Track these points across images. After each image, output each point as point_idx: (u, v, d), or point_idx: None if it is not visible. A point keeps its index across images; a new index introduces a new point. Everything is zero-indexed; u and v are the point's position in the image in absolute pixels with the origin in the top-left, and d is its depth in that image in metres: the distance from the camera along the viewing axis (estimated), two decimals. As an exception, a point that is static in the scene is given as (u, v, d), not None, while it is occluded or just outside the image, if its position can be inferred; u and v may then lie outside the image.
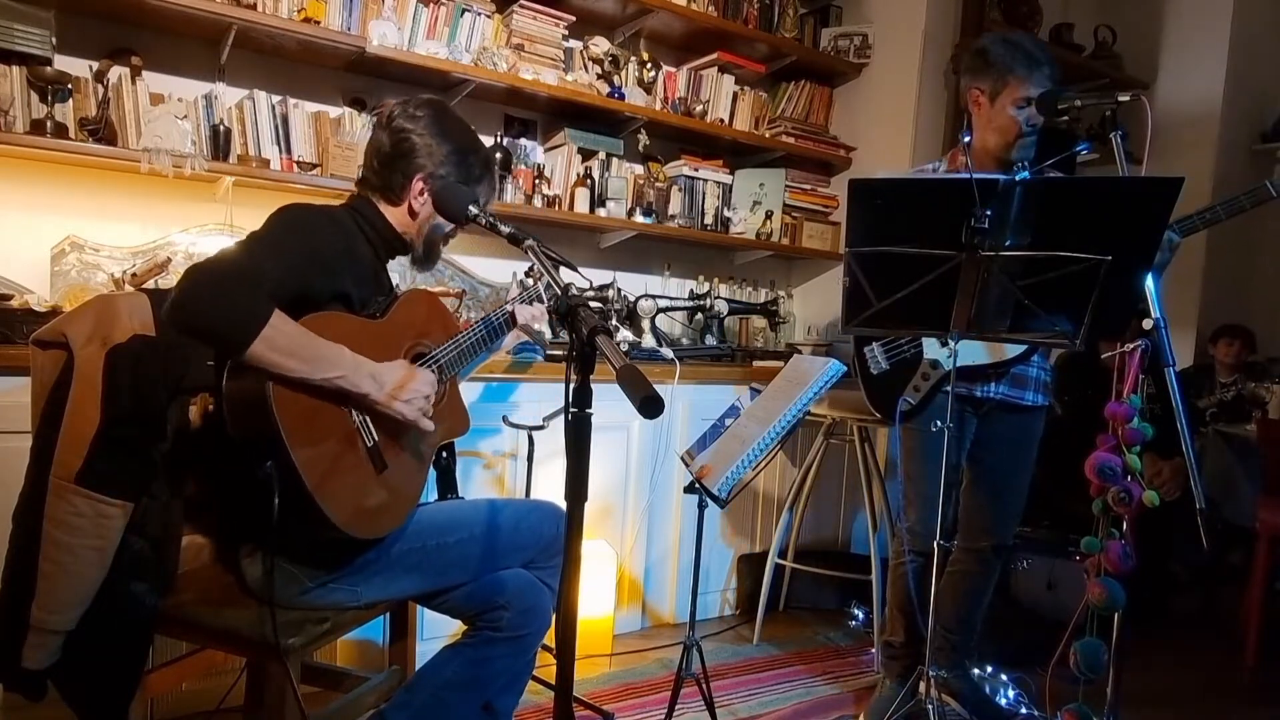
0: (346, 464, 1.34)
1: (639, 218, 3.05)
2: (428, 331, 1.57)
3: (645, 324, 2.88)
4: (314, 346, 1.27)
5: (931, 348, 2.02)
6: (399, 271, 2.54)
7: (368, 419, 1.38)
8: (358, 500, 1.35)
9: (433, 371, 1.48)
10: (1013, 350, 1.96)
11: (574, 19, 2.87)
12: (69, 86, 2.12)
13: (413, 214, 1.54)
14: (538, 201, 2.85)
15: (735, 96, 3.29)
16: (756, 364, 2.98)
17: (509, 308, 1.74)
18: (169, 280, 2.21)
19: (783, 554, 2.81)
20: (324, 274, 1.37)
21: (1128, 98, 1.68)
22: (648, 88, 3.08)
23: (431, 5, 2.62)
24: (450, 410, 1.60)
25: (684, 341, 3.17)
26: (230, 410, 1.27)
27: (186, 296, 1.19)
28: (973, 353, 1.97)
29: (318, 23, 2.35)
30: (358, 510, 1.34)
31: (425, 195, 1.53)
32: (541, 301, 1.79)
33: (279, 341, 1.22)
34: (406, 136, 1.50)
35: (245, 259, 1.27)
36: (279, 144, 2.43)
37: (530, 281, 1.90)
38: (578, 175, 2.95)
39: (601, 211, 2.96)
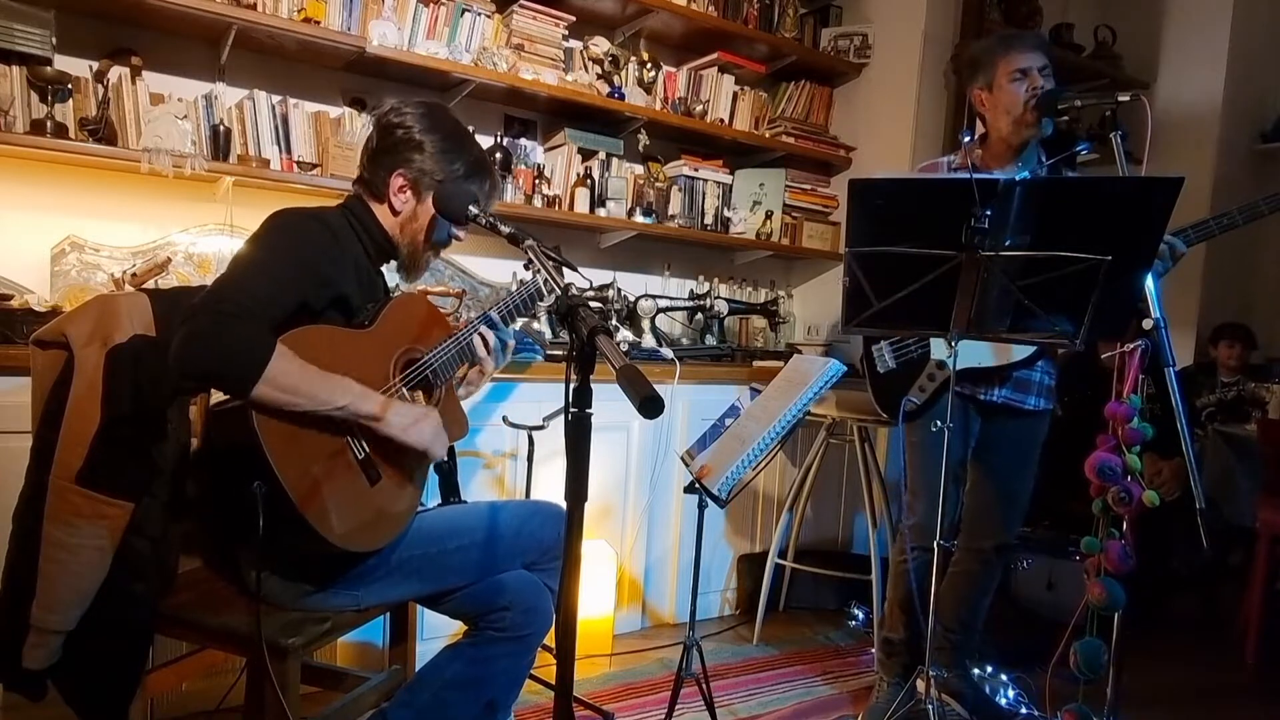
0: (337, 477, 1.32)
1: (639, 218, 3.05)
2: (422, 335, 1.55)
3: (645, 324, 2.88)
4: (317, 390, 1.27)
5: (939, 348, 2.02)
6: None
7: (356, 430, 1.36)
8: (351, 514, 1.33)
9: (428, 376, 1.48)
10: (1020, 352, 1.96)
11: (574, 19, 2.87)
12: (69, 86, 2.12)
13: (394, 211, 1.53)
14: (538, 201, 2.85)
15: (735, 96, 3.29)
16: (756, 364, 2.98)
17: (493, 314, 1.66)
18: (169, 280, 2.22)
19: (783, 554, 2.81)
20: (319, 283, 1.37)
21: (1128, 98, 1.69)
22: (648, 88, 3.07)
23: (431, 5, 2.62)
24: (449, 414, 1.58)
25: (684, 341, 3.17)
26: (215, 423, 1.26)
27: (189, 346, 1.18)
28: (978, 354, 1.97)
29: (318, 23, 2.35)
30: (352, 524, 1.33)
31: (406, 192, 1.51)
32: (541, 298, 1.76)
33: (282, 382, 1.22)
34: (392, 133, 1.50)
35: (241, 292, 1.24)
36: (279, 144, 2.43)
37: (529, 275, 1.85)
38: (578, 175, 2.95)
39: (601, 211, 2.96)
